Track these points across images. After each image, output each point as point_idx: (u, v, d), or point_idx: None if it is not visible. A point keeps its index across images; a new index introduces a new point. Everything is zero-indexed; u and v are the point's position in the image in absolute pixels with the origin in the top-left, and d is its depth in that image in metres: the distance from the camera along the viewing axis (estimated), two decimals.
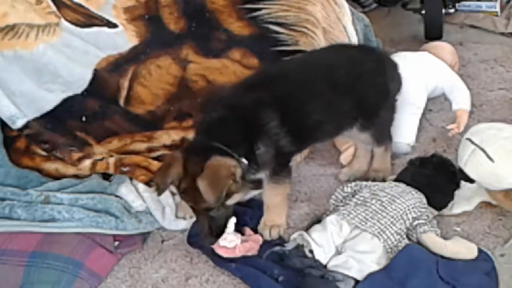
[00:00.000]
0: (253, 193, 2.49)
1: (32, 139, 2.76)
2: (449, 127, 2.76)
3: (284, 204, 2.39)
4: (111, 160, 2.70)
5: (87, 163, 2.71)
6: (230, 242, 2.24)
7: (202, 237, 2.24)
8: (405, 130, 2.75)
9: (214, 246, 2.26)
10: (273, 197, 2.36)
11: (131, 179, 2.60)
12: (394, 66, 2.58)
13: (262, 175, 2.32)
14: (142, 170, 2.63)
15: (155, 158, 2.75)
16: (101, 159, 2.72)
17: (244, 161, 2.19)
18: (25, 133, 2.76)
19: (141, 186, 2.55)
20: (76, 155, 2.74)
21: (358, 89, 2.39)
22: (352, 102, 2.39)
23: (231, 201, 2.21)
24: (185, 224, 2.48)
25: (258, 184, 2.45)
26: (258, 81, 2.41)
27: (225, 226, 2.24)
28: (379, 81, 2.46)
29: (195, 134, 2.35)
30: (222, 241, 2.24)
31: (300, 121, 2.31)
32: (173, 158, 2.21)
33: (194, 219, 2.44)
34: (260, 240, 2.31)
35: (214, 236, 2.23)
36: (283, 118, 2.25)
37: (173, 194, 2.52)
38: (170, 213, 2.49)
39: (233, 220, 2.26)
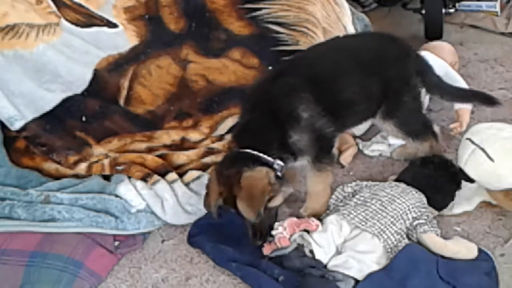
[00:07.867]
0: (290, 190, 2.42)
1: (30, 141, 2.76)
2: (451, 126, 2.75)
3: (326, 193, 2.40)
4: (106, 161, 2.70)
5: (82, 166, 2.71)
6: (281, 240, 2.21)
7: (251, 241, 2.25)
8: None
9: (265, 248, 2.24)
10: (316, 184, 2.38)
11: (129, 177, 2.59)
12: (419, 57, 2.57)
13: (304, 161, 2.31)
14: (137, 167, 2.62)
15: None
16: (96, 162, 2.72)
17: (279, 162, 2.20)
18: (23, 135, 2.75)
19: (139, 184, 2.54)
20: (72, 158, 2.74)
21: (382, 72, 2.40)
22: (378, 85, 2.40)
23: (273, 204, 2.22)
24: (187, 218, 2.47)
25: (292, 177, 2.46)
26: (285, 67, 2.46)
27: (271, 227, 2.22)
28: (401, 66, 2.45)
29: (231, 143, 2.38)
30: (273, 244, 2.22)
31: (333, 98, 2.31)
32: (210, 179, 2.24)
33: (197, 215, 2.45)
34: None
35: (260, 239, 2.23)
36: (315, 97, 2.26)
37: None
38: (170, 207, 2.48)
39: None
